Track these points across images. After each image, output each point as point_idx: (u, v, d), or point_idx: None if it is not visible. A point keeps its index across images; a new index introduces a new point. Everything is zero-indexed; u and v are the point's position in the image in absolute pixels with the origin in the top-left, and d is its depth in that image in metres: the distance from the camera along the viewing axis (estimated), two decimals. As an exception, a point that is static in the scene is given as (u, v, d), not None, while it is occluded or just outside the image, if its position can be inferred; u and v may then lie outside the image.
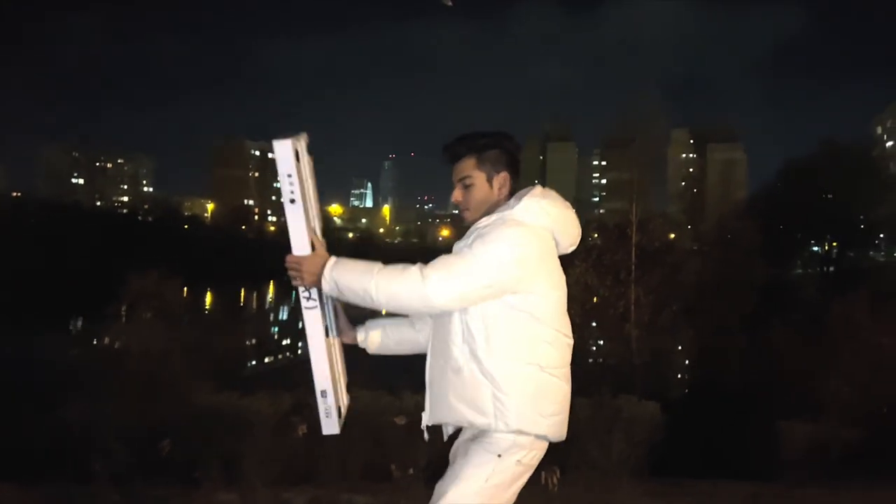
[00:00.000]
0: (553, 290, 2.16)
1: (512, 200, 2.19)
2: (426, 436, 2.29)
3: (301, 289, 2.18)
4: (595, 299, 15.23)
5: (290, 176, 2.11)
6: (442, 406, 2.16)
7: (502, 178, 2.24)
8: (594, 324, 15.58)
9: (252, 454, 4.27)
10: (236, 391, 5.21)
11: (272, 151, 2.16)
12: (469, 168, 2.25)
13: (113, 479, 4.56)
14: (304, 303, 2.19)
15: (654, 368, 14.81)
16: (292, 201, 2.12)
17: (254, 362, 21.65)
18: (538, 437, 2.10)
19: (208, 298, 39.08)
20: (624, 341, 15.14)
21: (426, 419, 2.23)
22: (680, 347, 16.71)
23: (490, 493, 2.06)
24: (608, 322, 15.41)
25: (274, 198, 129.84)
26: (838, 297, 10.67)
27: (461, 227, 2.32)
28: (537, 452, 2.14)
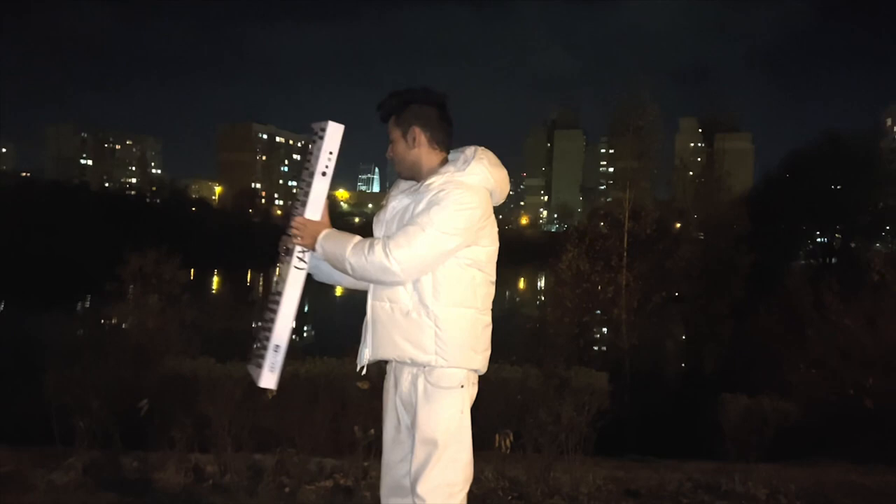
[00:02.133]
0: (492, 243, 2.40)
1: (460, 163, 2.39)
2: (363, 371, 2.49)
3: (298, 249, 2.43)
4: (600, 286, 15.36)
5: (331, 153, 2.42)
6: (386, 344, 2.36)
7: (414, 133, 2.45)
8: (598, 311, 15.81)
9: (223, 418, 4.54)
10: (211, 358, 5.45)
11: (309, 133, 2.48)
12: (391, 127, 2.50)
13: (94, 440, 4.85)
14: (295, 262, 2.43)
15: (643, 352, 15.03)
16: (324, 174, 2.41)
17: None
18: (472, 370, 2.37)
19: (215, 280, 39.39)
20: (614, 325, 15.38)
21: (367, 356, 2.42)
22: (668, 332, 16.94)
23: (465, 422, 2.34)
24: (600, 306, 15.63)
25: (281, 181, 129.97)
26: (816, 285, 10.82)
27: None
28: (475, 383, 2.41)
